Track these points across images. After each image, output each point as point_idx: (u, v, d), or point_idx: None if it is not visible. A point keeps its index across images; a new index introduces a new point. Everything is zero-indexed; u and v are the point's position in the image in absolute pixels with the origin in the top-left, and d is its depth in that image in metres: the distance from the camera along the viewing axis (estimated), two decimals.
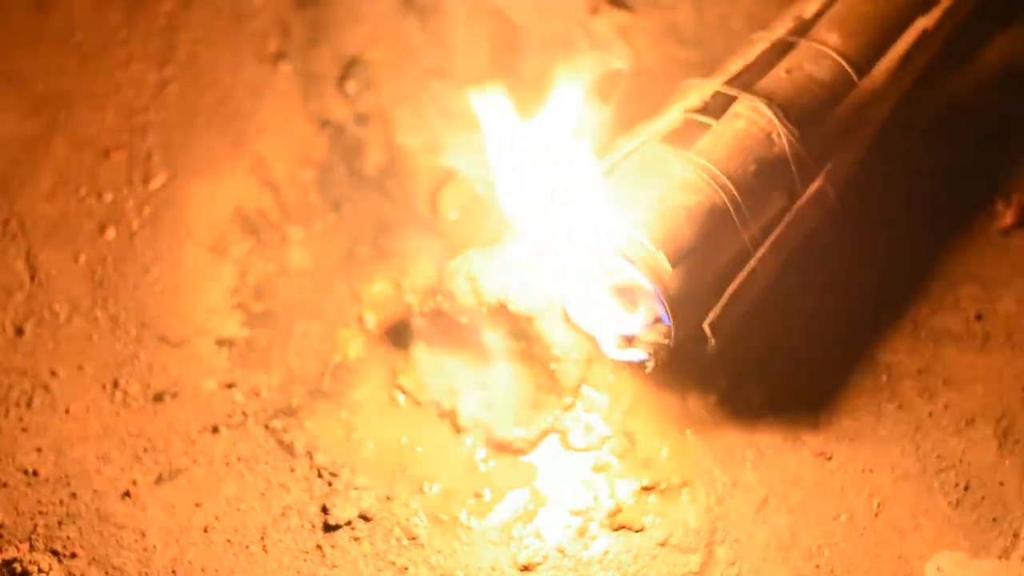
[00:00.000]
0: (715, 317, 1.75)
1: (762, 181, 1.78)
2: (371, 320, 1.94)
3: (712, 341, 1.76)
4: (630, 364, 1.86)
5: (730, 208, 1.74)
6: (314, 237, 2.03)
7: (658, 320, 1.77)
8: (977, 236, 1.99)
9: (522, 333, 1.83)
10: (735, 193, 1.75)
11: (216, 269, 2.00)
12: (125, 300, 1.96)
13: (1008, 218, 1.99)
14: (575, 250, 1.77)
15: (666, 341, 1.77)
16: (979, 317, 1.91)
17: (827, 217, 1.86)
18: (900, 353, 1.88)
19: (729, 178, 1.75)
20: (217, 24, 2.24)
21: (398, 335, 1.92)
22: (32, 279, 1.99)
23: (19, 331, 1.93)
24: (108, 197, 2.07)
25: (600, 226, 1.74)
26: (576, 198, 1.76)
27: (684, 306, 1.74)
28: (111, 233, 2.03)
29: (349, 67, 2.20)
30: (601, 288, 1.78)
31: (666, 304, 1.72)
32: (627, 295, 1.78)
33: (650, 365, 1.79)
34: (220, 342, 1.93)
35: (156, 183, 2.08)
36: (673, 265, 1.71)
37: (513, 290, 1.78)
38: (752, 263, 1.78)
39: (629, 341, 1.82)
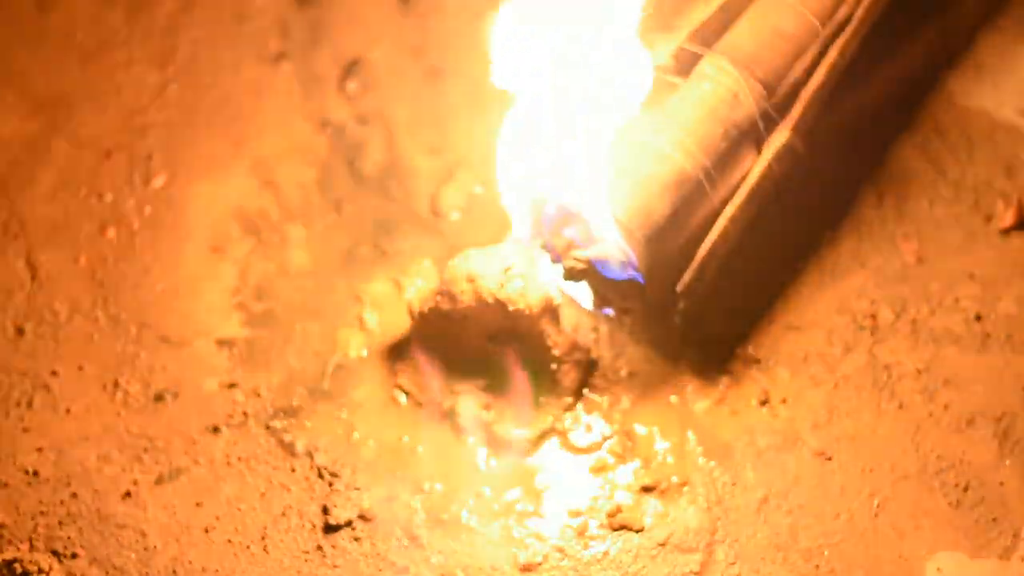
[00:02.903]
0: (687, 282, 1.79)
1: (730, 143, 1.79)
2: (372, 320, 1.94)
3: (681, 305, 1.81)
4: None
5: (700, 175, 1.76)
6: (315, 237, 2.03)
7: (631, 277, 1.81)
8: (977, 236, 1.99)
9: (523, 333, 1.83)
10: (704, 160, 1.77)
11: (217, 269, 2.00)
12: (126, 300, 1.96)
13: (1007, 218, 2.00)
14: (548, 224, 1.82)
15: (636, 304, 1.83)
16: (979, 317, 1.91)
17: (795, 167, 1.87)
18: (900, 353, 1.89)
19: (698, 143, 1.77)
20: (218, 24, 2.24)
21: (398, 335, 1.92)
22: (33, 279, 1.99)
23: (20, 331, 1.93)
24: (109, 197, 2.07)
25: (574, 197, 1.77)
26: (550, 164, 1.79)
27: (656, 272, 1.78)
28: (112, 233, 2.03)
29: (350, 67, 2.20)
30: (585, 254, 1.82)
31: (641, 275, 1.77)
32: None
33: (626, 319, 1.86)
34: (221, 342, 1.93)
35: (157, 183, 2.08)
36: (646, 238, 1.74)
37: (513, 290, 1.78)
38: (721, 224, 1.80)
39: (603, 300, 1.87)
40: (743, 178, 1.82)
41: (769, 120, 1.82)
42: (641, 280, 1.79)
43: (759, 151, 1.83)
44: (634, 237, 1.75)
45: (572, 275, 1.81)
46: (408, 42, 2.22)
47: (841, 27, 1.87)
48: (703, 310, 1.91)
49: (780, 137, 1.83)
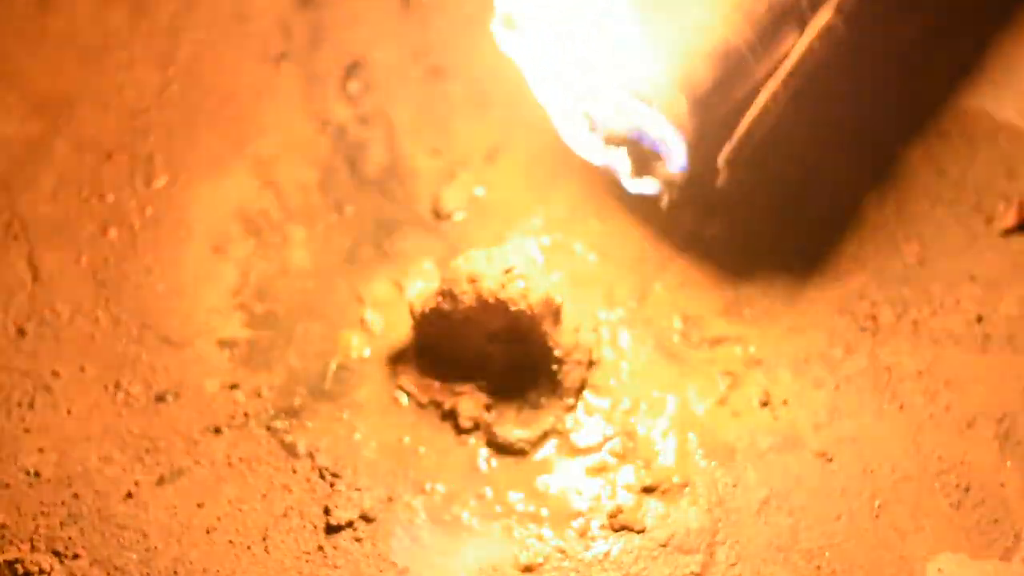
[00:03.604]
0: (728, 154, 1.83)
1: (775, 20, 1.83)
2: (373, 321, 1.94)
3: (723, 175, 1.85)
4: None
5: (744, 48, 1.80)
6: (316, 238, 2.03)
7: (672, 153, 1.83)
8: (978, 237, 1.99)
9: (524, 334, 1.83)
10: (749, 33, 1.80)
11: (218, 270, 2.00)
12: (127, 301, 1.96)
13: (1009, 219, 2.00)
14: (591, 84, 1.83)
15: (680, 176, 1.86)
16: (980, 319, 1.91)
17: (836, 49, 1.89)
18: (901, 354, 1.89)
19: (744, 17, 1.80)
20: (219, 25, 2.24)
21: (400, 336, 1.92)
22: (34, 280, 1.99)
23: (21, 332, 1.93)
24: (110, 198, 2.07)
25: (619, 65, 1.78)
26: (594, 30, 1.80)
27: (700, 143, 1.81)
28: (113, 234, 2.03)
29: (351, 68, 2.20)
30: (618, 120, 1.84)
31: (686, 145, 1.80)
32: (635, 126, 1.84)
33: (664, 199, 1.88)
34: (222, 343, 1.93)
35: (158, 184, 2.08)
36: (691, 107, 1.77)
37: (514, 290, 1.78)
38: (763, 98, 1.84)
39: (643, 172, 1.89)
40: (785, 56, 1.85)
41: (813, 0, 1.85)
42: (683, 151, 1.81)
43: (802, 30, 1.86)
44: (679, 104, 1.77)
45: (612, 140, 1.82)
46: (409, 42, 2.22)
47: None
48: (705, 311, 1.92)
49: (823, 17, 1.85)
